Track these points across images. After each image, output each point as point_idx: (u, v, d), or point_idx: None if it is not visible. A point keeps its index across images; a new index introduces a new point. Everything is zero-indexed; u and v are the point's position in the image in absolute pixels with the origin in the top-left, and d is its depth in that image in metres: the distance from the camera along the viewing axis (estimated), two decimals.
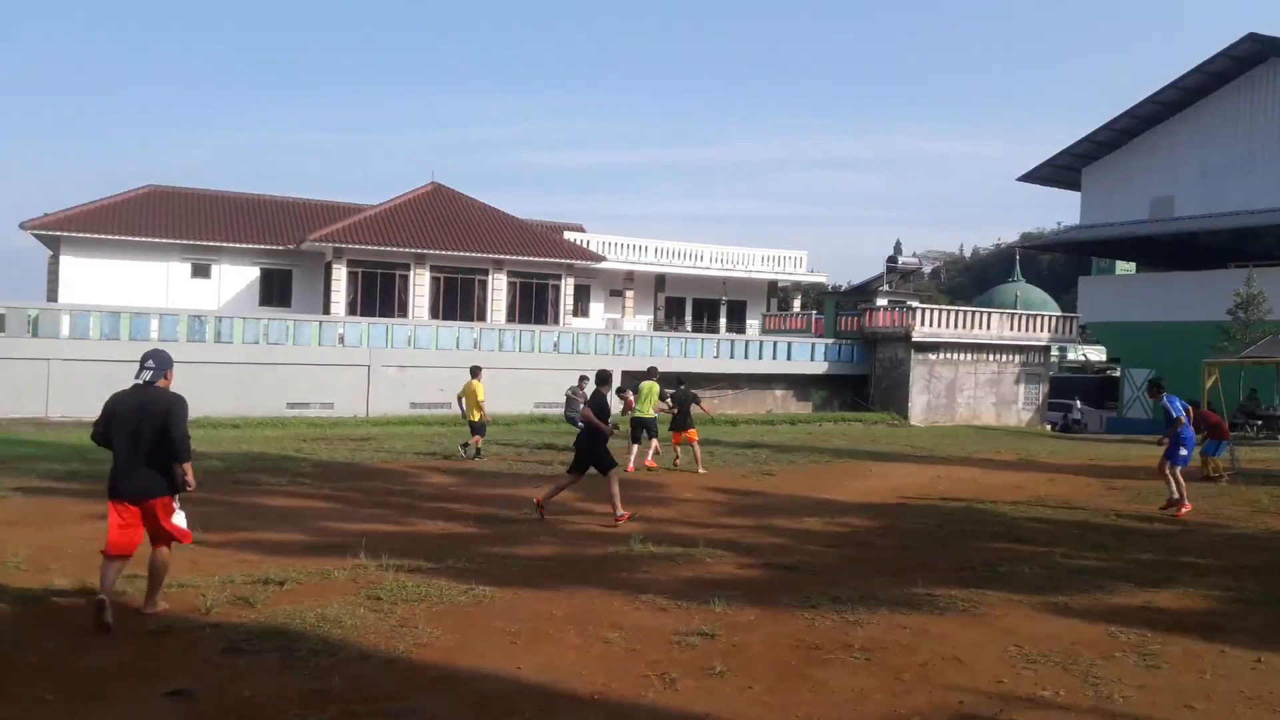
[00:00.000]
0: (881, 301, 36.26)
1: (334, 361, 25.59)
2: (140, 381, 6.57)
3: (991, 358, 34.37)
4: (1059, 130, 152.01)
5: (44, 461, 14.61)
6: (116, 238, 33.40)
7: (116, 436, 6.44)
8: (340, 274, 33.74)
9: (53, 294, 34.09)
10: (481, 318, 35.43)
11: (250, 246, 35.50)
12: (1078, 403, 38.56)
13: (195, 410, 23.88)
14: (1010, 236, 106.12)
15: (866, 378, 33.92)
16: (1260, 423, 26.71)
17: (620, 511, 10.86)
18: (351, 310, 33.33)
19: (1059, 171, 43.02)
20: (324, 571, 8.04)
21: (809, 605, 7.21)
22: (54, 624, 6.43)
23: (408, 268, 34.85)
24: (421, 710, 5.04)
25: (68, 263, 33.43)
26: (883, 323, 33.72)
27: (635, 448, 15.99)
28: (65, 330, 22.91)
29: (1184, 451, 12.55)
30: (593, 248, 39.63)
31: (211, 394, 23.27)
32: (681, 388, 16.96)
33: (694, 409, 16.84)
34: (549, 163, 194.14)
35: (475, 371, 17.79)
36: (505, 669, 5.73)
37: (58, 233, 32.87)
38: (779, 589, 7.77)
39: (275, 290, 36.40)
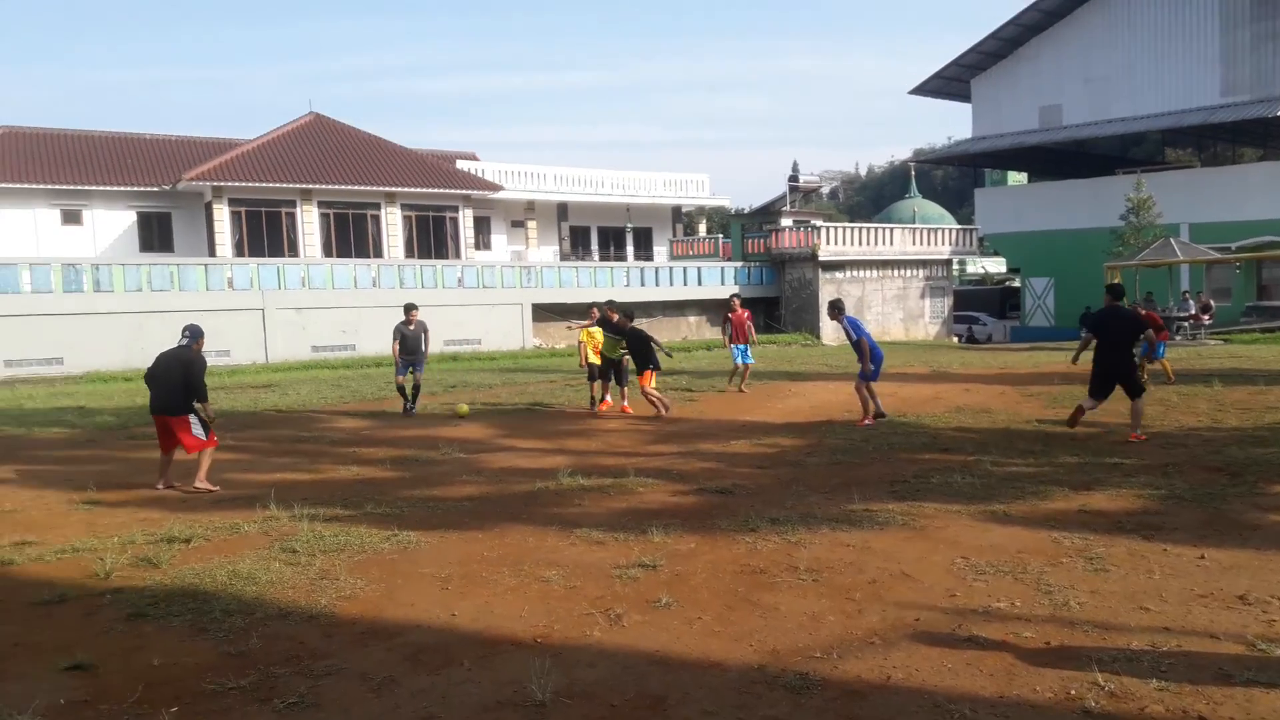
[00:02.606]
0: (786, 222, 36.13)
1: (225, 306, 24.30)
2: (181, 344, 9.34)
3: (896, 273, 34.82)
4: (952, 42, 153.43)
5: None
6: None
7: (155, 376, 9.19)
8: (223, 214, 31.97)
9: None
10: (378, 254, 34.10)
11: (123, 189, 33.22)
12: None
13: (81, 364, 22.57)
14: (904, 153, 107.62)
15: (777, 299, 34.00)
16: None
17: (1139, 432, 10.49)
18: (239, 251, 31.68)
19: (949, 84, 43.45)
20: (233, 525, 7.51)
21: (748, 529, 7.01)
22: None
23: (294, 204, 33.21)
24: (351, 667, 4.66)
25: None
26: (789, 243, 33.72)
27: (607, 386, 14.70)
28: None
29: (872, 367, 12.65)
30: (489, 177, 38.41)
31: (97, 346, 21.92)
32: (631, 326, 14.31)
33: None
34: (434, 90, 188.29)
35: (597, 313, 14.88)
36: (438, 617, 5.37)
37: None
38: (716, 514, 7.56)
39: (155, 234, 34.31)
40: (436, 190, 35.17)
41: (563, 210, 42.21)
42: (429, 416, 14.41)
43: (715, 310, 33.42)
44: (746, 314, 17.45)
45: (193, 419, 9.15)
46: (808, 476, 9.11)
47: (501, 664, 4.63)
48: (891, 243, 34.79)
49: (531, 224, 41.75)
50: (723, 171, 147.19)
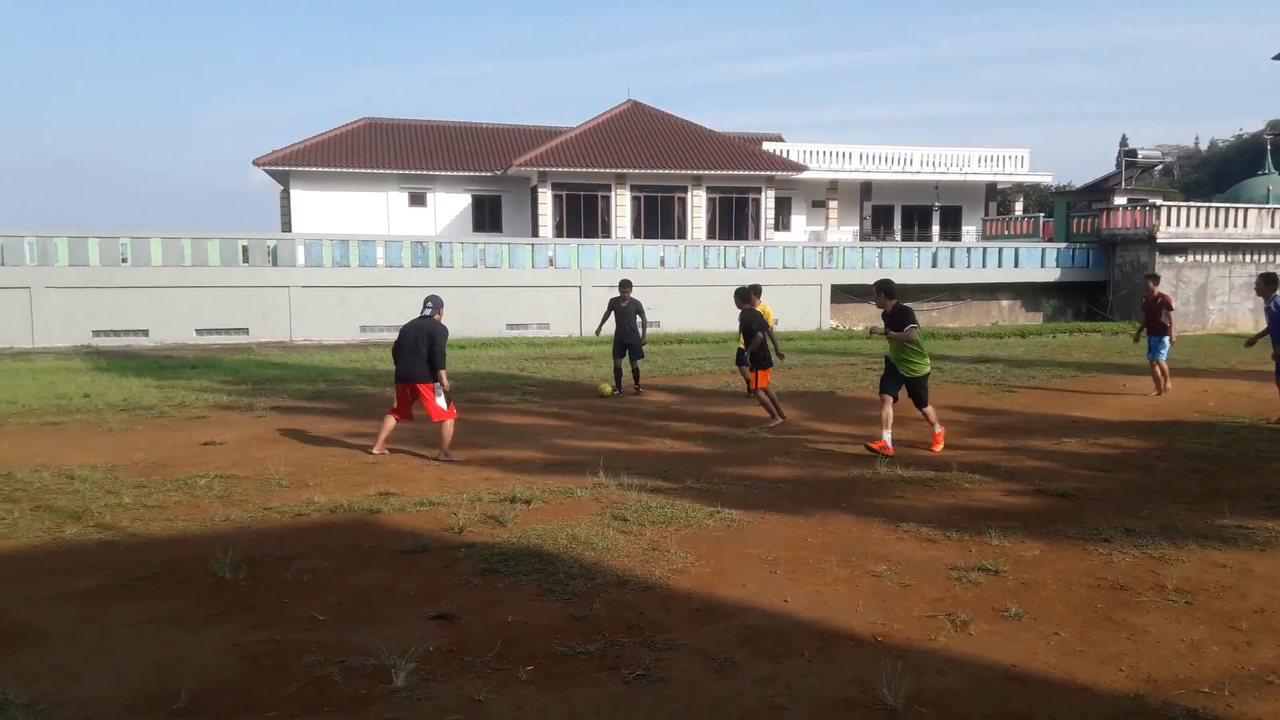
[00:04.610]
0: (1120, 200, 32.88)
1: (547, 283, 25.90)
2: (424, 314, 9.67)
3: (1248, 259, 30.71)
4: None
5: (293, 383, 15.48)
6: (339, 170, 35.02)
7: (403, 346, 9.53)
8: (546, 197, 34.09)
9: (286, 225, 36.31)
10: (681, 235, 34.96)
11: (461, 174, 36.35)
12: None
13: None
14: (1254, 125, 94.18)
15: (1104, 284, 31.14)
16: None
17: None
18: (558, 232, 33.66)
19: None
20: (566, 490, 7.92)
21: (1100, 539, 6.41)
22: (318, 541, 6.57)
23: (609, 188, 34.78)
24: (691, 644, 4.72)
25: (298, 195, 35.43)
26: (1122, 223, 30.70)
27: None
28: (301, 259, 24.24)
29: None
30: (793, 157, 38.13)
31: None
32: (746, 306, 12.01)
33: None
34: (744, 74, 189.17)
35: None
36: (771, 601, 5.33)
37: (286, 168, 34.82)
38: (1059, 519, 6.98)
39: (486, 216, 37.24)
40: (741, 172, 35.45)
41: (866, 189, 41.13)
42: (730, 395, 14.52)
43: (1032, 295, 31.23)
44: (1164, 298, 14.57)
45: (437, 388, 9.49)
46: (1162, 484, 8.21)
47: (843, 659, 4.50)
48: (1244, 224, 30.70)
49: (833, 204, 41.06)
50: (1042, 146, 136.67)
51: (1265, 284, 11.53)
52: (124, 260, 22.79)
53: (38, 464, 8.91)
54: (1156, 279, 15.20)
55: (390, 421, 9.80)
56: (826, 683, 4.25)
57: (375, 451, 9.61)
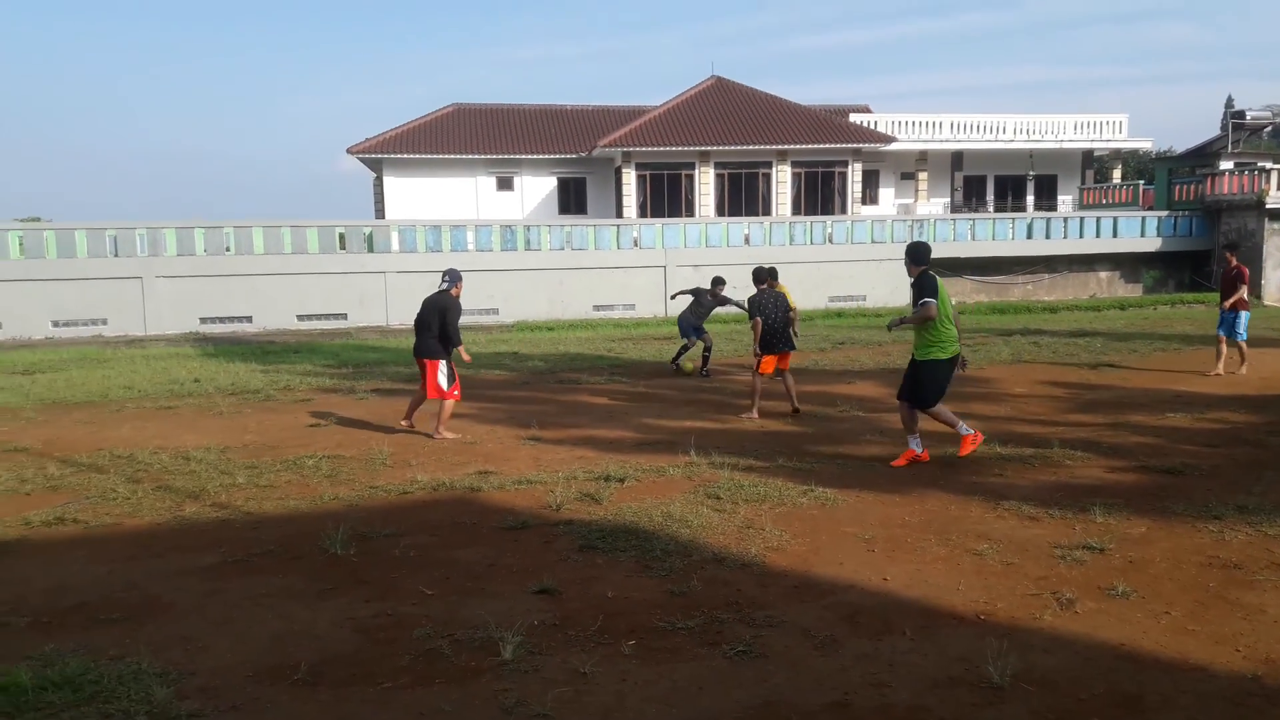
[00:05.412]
0: (1226, 165, 31.39)
1: (632, 264, 25.99)
2: (441, 288, 9.75)
3: None
4: None
5: (390, 365, 15.91)
6: (429, 156, 35.59)
7: (421, 322, 9.67)
8: (630, 178, 34.14)
9: (380, 212, 37.15)
10: (766, 212, 34.66)
11: (547, 157, 36.61)
12: None
13: (514, 314, 25.05)
14: None
15: (1208, 254, 29.84)
16: None
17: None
18: (642, 213, 33.69)
19: None
20: (659, 469, 8.01)
21: (1211, 516, 6.22)
22: (423, 518, 6.78)
23: (693, 166, 34.65)
24: (791, 621, 4.76)
25: (390, 183, 36.19)
26: (1228, 189, 29.31)
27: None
28: (395, 245, 24.79)
29: None
30: (880, 128, 37.34)
31: (526, 299, 24.50)
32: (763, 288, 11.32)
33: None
34: (829, 44, 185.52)
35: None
36: (869, 580, 5.33)
37: (379, 155, 35.56)
38: (1166, 496, 6.80)
39: (571, 198, 37.48)
40: (827, 145, 34.91)
41: (957, 160, 40.10)
42: (821, 373, 14.43)
43: (1132, 265, 30.12)
44: (1238, 270, 13.40)
45: (442, 365, 9.58)
46: (1274, 459, 7.93)
47: (946, 637, 4.49)
48: None
49: (922, 175, 40.15)
50: (1141, 111, 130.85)
51: None
52: (228, 249, 23.66)
53: (156, 446, 9.38)
54: (1234, 248, 14.16)
55: (419, 397, 10.05)
56: (930, 660, 4.24)
57: (403, 424, 10.01)
